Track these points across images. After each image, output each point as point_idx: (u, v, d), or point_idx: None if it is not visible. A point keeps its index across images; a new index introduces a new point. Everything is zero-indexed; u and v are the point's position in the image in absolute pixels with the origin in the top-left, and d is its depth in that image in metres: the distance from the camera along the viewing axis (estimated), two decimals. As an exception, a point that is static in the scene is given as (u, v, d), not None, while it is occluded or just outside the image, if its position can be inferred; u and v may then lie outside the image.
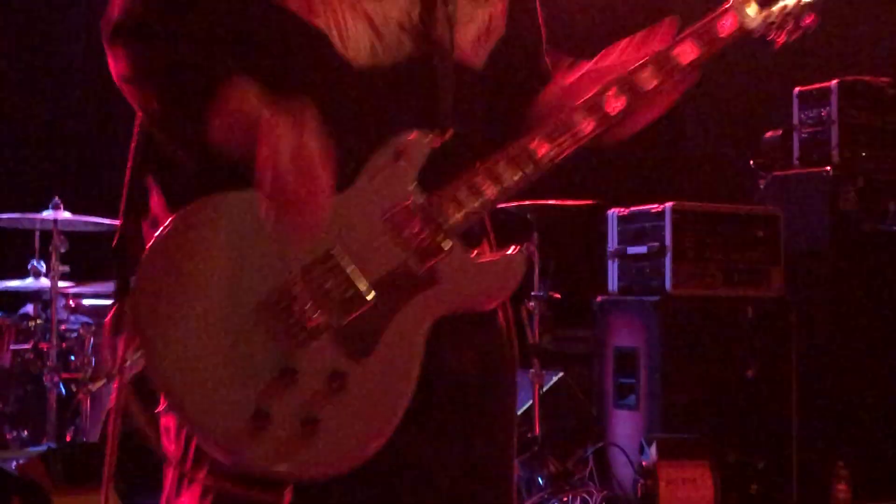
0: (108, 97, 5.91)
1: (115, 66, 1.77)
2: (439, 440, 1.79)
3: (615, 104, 1.78)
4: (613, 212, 5.14)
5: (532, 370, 4.84)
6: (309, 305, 1.65)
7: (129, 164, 1.79)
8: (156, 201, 1.78)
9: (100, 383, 4.35)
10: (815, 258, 5.01)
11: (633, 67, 1.80)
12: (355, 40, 1.77)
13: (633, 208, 5.06)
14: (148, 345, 1.66)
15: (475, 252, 1.76)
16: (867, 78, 5.14)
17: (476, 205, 1.73)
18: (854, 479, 4.74)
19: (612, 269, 5.14)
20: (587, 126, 1.77)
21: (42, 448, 4.11)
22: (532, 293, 4.93)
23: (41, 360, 4.51)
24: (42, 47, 6.05)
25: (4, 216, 4.44)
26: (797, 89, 5.26)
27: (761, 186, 5.15)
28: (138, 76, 1.74)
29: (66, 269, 4.48)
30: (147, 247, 1.69)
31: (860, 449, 4.91)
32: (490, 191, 1.74)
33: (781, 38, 1.79)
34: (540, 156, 1.75)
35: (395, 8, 1.79)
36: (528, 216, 4.85)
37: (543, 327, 4.95)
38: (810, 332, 5.00)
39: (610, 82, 1.79)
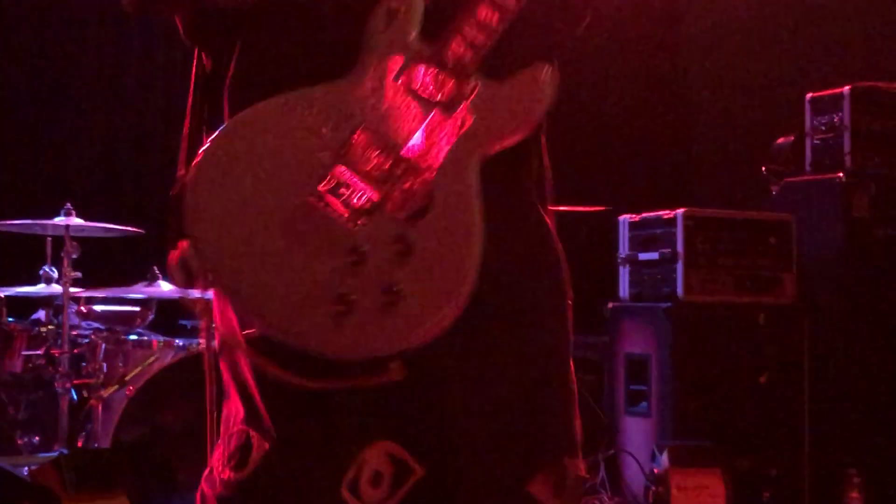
0: (119, 104, 6.12)
1: None
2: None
3: None
4: (624, 218, 5.12)
5: None
6: (357, 185, 1.67)
7: (187, 120, 1.90)
8: None
9: (112, 389, 4.37)
10: (827, 265, 5.01)
11: None
12: None
13: (644, 214, 5.05)
14: (220, 266, 1.69)
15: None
16: (880, 84, 5.14)
17: (484, 38, 1.70)
18: (867, 486, 4.70)
19: (623, 275, 5.12)
20: None
21: (54, 454, 4.03)
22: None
23: (53, 365, 4.48)
24: (53, 54, 6.06)
25: (16, 222, 4.45)
26: (809, 95, 5.25)
27: (773, 193, 5.15)
28: None
29: (78, 274, 4.46)
30: (197, 158, 1.72)
31: (873, 457, 4.88)
32: (495, 18, 1.71)
33: None
34: None
35: None
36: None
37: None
38: (823, 339, 4.98)
39: None
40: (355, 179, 1.66)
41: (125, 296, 4.78)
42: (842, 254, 4.93)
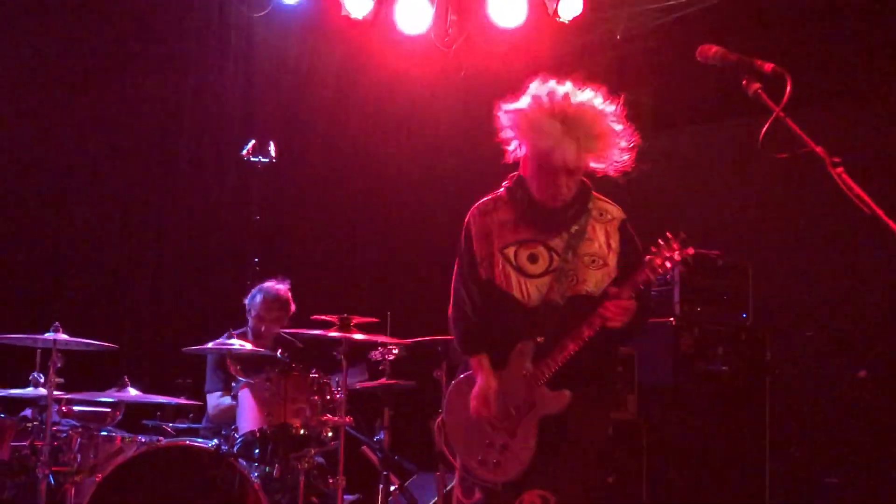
0: (99, 235, 6.23)
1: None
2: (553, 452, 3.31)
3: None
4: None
5: (437, 473, 5.07)
6: (505, 418, 3.35)
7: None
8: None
9: (83, 475, 4.46)
10: (661, 389, 5.27)
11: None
12: (526, 295, 3.31)
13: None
14: (452, 439, 3.52)
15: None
16: (702, 251, 5.29)
17: (557, 363, 3.26)
18: None
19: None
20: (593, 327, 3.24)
21: None
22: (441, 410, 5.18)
23: (35, 455, 4.50)
24: (45, 203, 6.12)
25: (12, 336, 4.50)
26: (647, 258, 5.48)
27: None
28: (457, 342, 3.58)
29: (61, 380, 4.53)
30: (447, 394, 3.63)
31: None
32: (561, 357, 3.25)
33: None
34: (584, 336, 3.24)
35: (543, 283, 3.32)
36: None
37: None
38: (659, 449, 5.27)
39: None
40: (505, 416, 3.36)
41: (99, 399, 4.79)
42: (672, 380, 5.22)
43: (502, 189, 3.44)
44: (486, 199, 3.48)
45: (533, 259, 3.32)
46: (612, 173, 3.30)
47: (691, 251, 3.24)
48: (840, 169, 2.28)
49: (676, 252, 3.22)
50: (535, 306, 3.30)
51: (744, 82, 2.48)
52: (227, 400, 5.22)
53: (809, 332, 6.43)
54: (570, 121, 3.15)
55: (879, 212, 2.19)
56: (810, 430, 6.25)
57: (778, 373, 5.56)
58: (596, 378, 3.34)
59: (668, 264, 3.22)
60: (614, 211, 3.41)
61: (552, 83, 3.25)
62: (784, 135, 2.42)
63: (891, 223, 2.21)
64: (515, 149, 3.32)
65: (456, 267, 3.49)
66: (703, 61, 2.61)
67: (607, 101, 3.24)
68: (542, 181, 3.27)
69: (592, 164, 3.26)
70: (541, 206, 3.32)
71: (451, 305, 3.49)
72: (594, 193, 3.40)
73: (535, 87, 3.27)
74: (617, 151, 3.24)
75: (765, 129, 2.37)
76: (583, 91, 3.25)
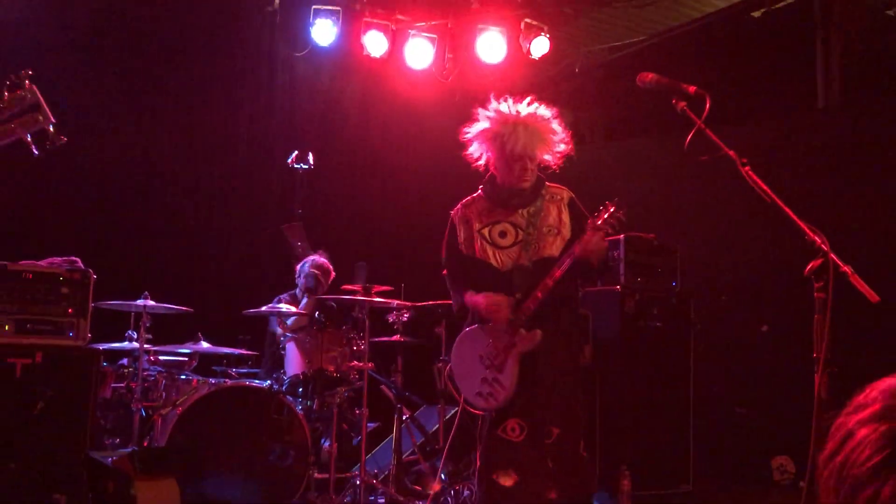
0: (179, 224, 6.20)
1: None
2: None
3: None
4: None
5: (439, 405, 5.13)
6: (494, 357, 3.37)
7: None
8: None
9: (168, 409, 4.47)
10: (610, 343, 5.19)
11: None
12: (500, 262, 3.40)
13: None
14: (457, 379, 3.49)
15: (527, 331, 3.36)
16: (641, 234, 5.38)
17: (531, 308, 3.31)
18: (633, 476, 4.85)
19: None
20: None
21: (128, 450, 4.16)
22: (441, 358, 5.10)
23: (130, 393, 4.55)
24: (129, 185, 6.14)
25: (111, 302, 4.51)
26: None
27: (580, 295, 5.17)
28: (450, 287, 3.58)
29: (150, 336, 4.57)
30: (454, 346, 3.56)
31: (638, 459, 5.06)
32: (533, 303, 3.30)
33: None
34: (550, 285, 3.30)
35: (513, 252, 3.40)
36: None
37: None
38: (609, 389, 5.18)
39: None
40: (493, 355, 3.38)
41: (179, 350, 4.86)
42: (619, 336, 5.14)
43: (479, 190, 3.58)
44: (467, 198, 3.60)
45: (503, 234, 3.42)
46: (556, 164, 3.43)
47: (622, 214, 3.33)
48: (747, 168, 2.26)
49: (612, 208, 3.32)
50: (508, 270, 3.39)
51: (673, 101, 2.46)
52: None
53: (724, 297, 6.45)
54: (522, 122, 3.34)
55: (778, 200, 2.17)
56: (725, 372, 6.25)
57: (700, 328, 5.49)
58: (561, 316, 3.41)
59: (606, 215, 3.31)
60: (563, 192, 3.51)
61: (503, 103, 3.42)
62: (704, 143, 2.40)
63: (786, 209, 2.20)
64: (483, 157, 3.46)
65: (444, 247, 3.58)
66: (641, 86, 2.58)
67: (547, 110, 3.40)
68: (509, 170, 3.39)
69: (544, 157, 3.40)
70: (508, 192, 3.43)
71: (444, 271, 3.60)
72: (547, 183, 3.51)
73: (489, 109, 3.43)
74: (559, 145, 3.41)
75: (689, 138, 2.36)
76: (528, 105, 3.41)
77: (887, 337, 5.29)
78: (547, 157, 3.42)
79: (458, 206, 3.58)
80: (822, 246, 2.09)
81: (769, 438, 5.86)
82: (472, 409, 3.50)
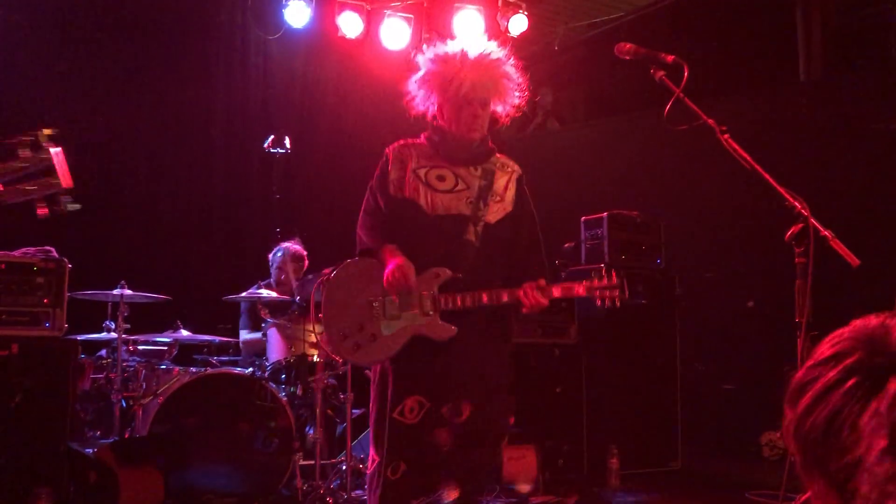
0: (154, 210, 6.15)
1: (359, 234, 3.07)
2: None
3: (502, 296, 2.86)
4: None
5: None
6: (376, 305, 2.90)
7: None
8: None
9: (148, 399, 4.43)
10: (595, 320, 5.21)
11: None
12: (430, 205, 2.90)
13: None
14: (326, 318, 2.93)
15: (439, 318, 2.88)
16: (624, 211, 5.43)
17: (462, 305, 2.85)
18: (621, 456, 4.95)
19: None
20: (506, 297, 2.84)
21: (110, 441, 4.18)
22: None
23: (110, 384, 4.51)
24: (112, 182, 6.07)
25: (88, 292, 4.47)
26: (583, 218, 5.51)
27: (562, 276, 5.26)
28: (360, 239, 3.06)
29: (128, 326, 4.53)
30: (330, 277, 2.98)
31: (626, 438, 5.12)
32: (465, 302, 2.84)
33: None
34: (485, 302, 2.84)
35: (447, 199, 2.92)
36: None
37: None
38: (595, 366, 5.23)
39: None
40: (377, 303, 2.91)
41: (158, 339, 4.82)
42: (604, 315, 5.04)
43: (421, 138, 3.11)
44: (410, 139, 3.13)
45: (441, 178, 2.95)
46: (508, 118, 3.02)
47: (625, 295, 2.89)
48: (727, 136, 2.29)
49: (611, 287, 2.88)
50: (439, 216, 2.88)
51: (651, 71, 2.48)
52: (255, 335, 5.22)
53: (709, 273, 6.52)
54: (471, 63, 2.91)
55: (757, 167, 2.20)
56: (710, 349, 6.30)
57: (685, 305, 5.55)
58: (491, 319, 2.93)
59: (601, 293, 2.87)
60: (514, 166, 3.09)
61: (442, 45, 3.00)
62: (683, 113, 2.43)
63: (767, 177, 2.23)
64: (428, 105, 3.02)
65: (368, 190, 3.11)
66: (619, 56, 2.60)
67: (501, 51, 2.97)
68: (457, 118, 2.95)
69: (496, 108, 2.97)
70: (455, 144, 2.98)
71: (361, 212, 3.06)
72: (497, 153, 3.08)
73: (430, 52, 3.01)
74: (514, 94, 2.96)
75: (668, 106, 2.38)
76: (478, 45, 2.96)
77: (868, 301, 5.36)
78: (499, 107, 2.97)
79: (397, 143, 3.10)
80: (803, 211, 2.14)
81: (757, 414, 5.91)
82: (333, 356, 3.12)
